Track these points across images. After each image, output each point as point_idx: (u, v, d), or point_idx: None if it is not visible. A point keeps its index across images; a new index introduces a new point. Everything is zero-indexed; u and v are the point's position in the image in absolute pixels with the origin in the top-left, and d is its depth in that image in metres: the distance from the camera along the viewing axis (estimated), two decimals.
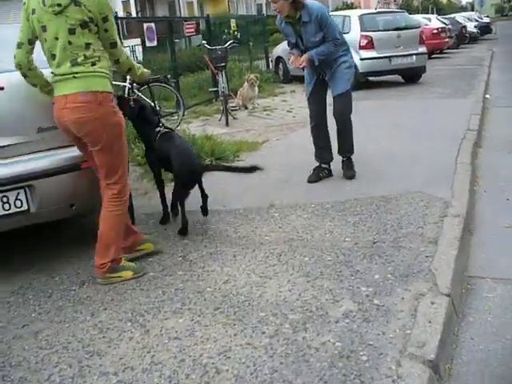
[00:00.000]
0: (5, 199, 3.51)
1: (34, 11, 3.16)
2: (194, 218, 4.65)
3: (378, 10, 13.67)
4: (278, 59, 14.81)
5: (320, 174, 5.43)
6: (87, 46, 3.19)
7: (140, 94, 8.75)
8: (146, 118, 4.45)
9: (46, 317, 3.23)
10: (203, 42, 10.06)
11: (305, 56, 5.05)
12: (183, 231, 4.30)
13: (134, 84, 8.83)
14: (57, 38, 3.15)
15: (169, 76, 9.16)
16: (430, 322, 2.72)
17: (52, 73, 3.28)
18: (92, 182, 3.77)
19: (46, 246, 4.29)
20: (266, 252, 3.82)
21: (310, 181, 5.37)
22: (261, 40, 17.13)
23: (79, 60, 3.17)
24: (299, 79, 13.97)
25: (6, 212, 3.54)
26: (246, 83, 10.80)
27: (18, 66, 3.28)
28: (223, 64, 9.33)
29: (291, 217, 4.48)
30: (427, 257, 3.48)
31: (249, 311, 3.05)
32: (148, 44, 10.60)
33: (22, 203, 3.56)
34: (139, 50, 19.25)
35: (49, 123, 3.56)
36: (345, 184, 5.25)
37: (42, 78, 3.37)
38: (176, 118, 9.43)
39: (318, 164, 5.50)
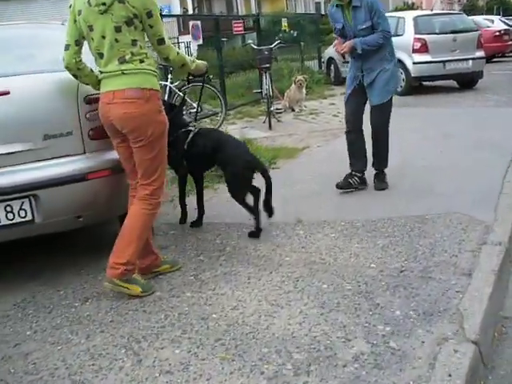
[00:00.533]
0: (8, 208, 3.36)
1: (80, 12, 3.18)
2: (216, 231, 4.42)
3: (434, 11, 13.00)
4: (330, 60, 14.43)
5: (350, 181, 5.18)
6: (134, 42, 3.17)
7: (180, 93, 8.60)
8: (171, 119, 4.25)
9: (40, 336, 3.05)
10: (249, 41, 9.82)
11: (349, 41, 4.87)
12: (256, 233, 4.23)
13: (175, 83, 8.74)
14: (104, 37, 3.15)
15: (211, 76, 8.93)
16: (450, 375, 2.38)
17: (100, 71, 3.27)
18: (101, 193, 3.60)
19: (59, 256, 4.15)
20: (283, 275, 3.53)
21: (338, 186, 5.15)
22: (314, 40, 16.77)
23: (127, 58, 3.16)
24: None
25: (10, 222, 3.38)
26: (293, 85, 10.53)
27: (67, 68, 3.30)
28: (268, 65, 9.06)
29: (317, 235, 4.18)
30: (457, 292, 3.12)
31: (251, 345, 2.78)
32: (193, 42, 10.43)
33: (26, 213, 3.40)
34: (194, 46, 19.37)
35: (55, 130, 3.40)
36: (380, 199, 4.91)
37: (93, 76, 3.36)
38: (219, 118, 9.23)
39: (350, 171, 5.26)
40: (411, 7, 38.88)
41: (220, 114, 9.20)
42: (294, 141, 7.95)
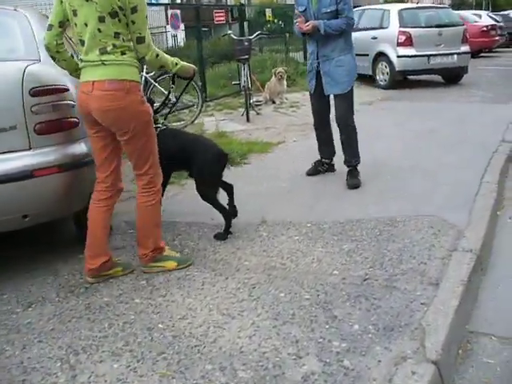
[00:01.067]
0: None
1: None
2: (176, 231, 4.20)
3: (420, 4, 12.76)
4: None
5: (319, 168, 5.43)
6: (116, 35, 3.09)
7: (156, 83, 8.34)
8: None
9: None
10: (229, 32, 9.55)
11: (313, 21, 4.82)
12: (223, 236, 4.01)
13: (150, 74, 8.47)
14: (86, 25, 3.08)
15: None
16: None
17: (80, 59, 3.20)
18: (50, 191, 3.36)
19: (11, 255, 3.88)
20: (239, 282, 3.32)
21: (308, 173, 5.41)
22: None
23: (108, 49, 3.09)
24: None
25: None
26: (273, 77, 10.28)
27: (47, 48, 3.22)
28: (246, 56, 8.80)
29: (281, 238, 3.97)
30: (422, 304, 2.92)
31: (195, 361, 2.56)
32: (172, 32, 10.16)
33: None
34: (181, 36, 19.04)
35: None
36: (351, 199, 4.70)
37: (72, 62, 3.30)
38: (195, 110, 8.97)
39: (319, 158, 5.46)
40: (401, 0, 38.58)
41: (196, 106, 8.92)
42: (270, 134, 7.72)
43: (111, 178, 3.36)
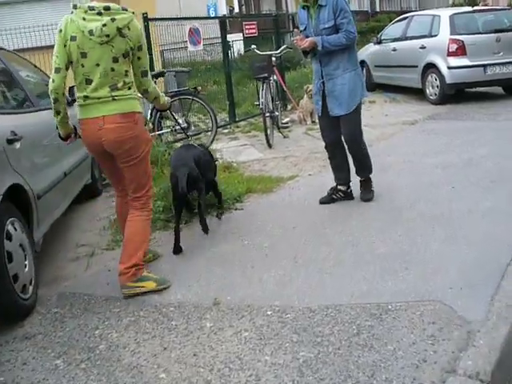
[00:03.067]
0: None
1: (73, 38, 3.27)
2: (101, 315, 3.29)
3: (475, 7, 11.27)
4: (361, 64, 12.99)
5: (333, 196, 5.03)
6: (126, 72, 3.37)
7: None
8: None
9: None
10: (252, 46, 8.60)
11: (311, 38, 4.65)
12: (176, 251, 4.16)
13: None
14: (98, 65, 3.29)
15: (199, 88, 7.78)
16: None
17: (85, 96, 3.35)
18: None
19: None
20: None
21: (321, 202, 5.01)
22: None
23: (119, 85, 3.34)
24: (384, 88, 12.21)
25: None
26: (305, 95, 9.26)
27: (55, 91, 3.31)
28: (265, 74, 7.81)
29: (226, 333, 2.97)
30: None
31: None
32: (191, 48, 9.31)
33: None
34: (237, 44, 18.23)
35: None
36: (340, 268, 3.62)
37: (65, 107, 3.45)
38: (210, 134, 8.08)
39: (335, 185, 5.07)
40: (473, 3, 36.24)
41: (210, 132, 8.02)
42: (286, 166, 6.72)
43: (126, 189, 3.66)
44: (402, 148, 6.98)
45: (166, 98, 3.86)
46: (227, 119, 10.24)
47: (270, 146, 7.85)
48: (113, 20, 3.25)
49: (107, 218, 5.14)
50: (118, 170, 3.59)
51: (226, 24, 9.73)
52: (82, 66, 3.30)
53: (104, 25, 3.24)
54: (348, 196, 5.00)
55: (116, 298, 3.53)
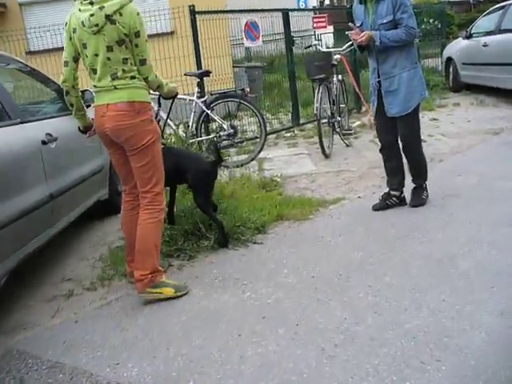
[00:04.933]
0: None
1: (74, 30, 3.28)
2: None
3: None
4: (449, 61, 11.68)
5: (387, 202, 4.78)
6: (124, 60, 3.30)
7: (208, 110, 6.79)
8: None
9: None
10: (314, 42, 7.68)
11: (368, 32, 4.42)
12: (224, 243, 4.16)
13: (202, 99, 6.95)
14: (97, 55, 3.28)
15: (247, 90, 6.97)
16: None
17: (94, 85, 3.40)
18: None
19: None
20: None
21: (375, 208, 4.76)
22: (439, 32, 13.89)
23: (119, 74, 3.30)
24: (472, 88, 10.86)
25: None
26: None
27: (64, 83, 3.40)
28: (322, 76, 6.87)
29: None
30: None
31: None
32: (248, 44, 8.50)
33: None
34: (329, 38, 17.28)
35: None
36: (356, 364, 2.70)
37: (79, 100, 3.52)
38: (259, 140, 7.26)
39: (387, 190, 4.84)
40: None
41: (259, 139, 7.19)
42: (335, 184, 5.79)
43: (136, 189, 3.54)
44: (477, 165, 5.83)
45: (172, 85, 3.75)
46: (290, 122, 9.42)
47: (326, 156, 6.96)
48: (101, 8, 3.19)
49: (111, 243, 4.47)
50: (126, 164, 3.52)
51: (289, 17, 8.77)
52: (86, 56, 3.33)
53: (92, 15, 3.20)
54: (402, 202, 4.78)
55: (62, 365, 2.82)
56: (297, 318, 3.04)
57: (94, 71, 3.35)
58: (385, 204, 4.76)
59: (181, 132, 6.71)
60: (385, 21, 4.36)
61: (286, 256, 3.96)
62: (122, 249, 4.16)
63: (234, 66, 10.93)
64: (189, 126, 6.86)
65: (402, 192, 4.79)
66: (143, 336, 3.03)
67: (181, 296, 3.41)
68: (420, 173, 4.76)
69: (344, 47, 7.58)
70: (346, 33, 4.98)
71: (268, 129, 9.34)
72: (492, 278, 3.25)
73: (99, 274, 3.95)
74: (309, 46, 7.86)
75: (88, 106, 3.88)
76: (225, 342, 2.88)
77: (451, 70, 11.54)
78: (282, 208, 4.87)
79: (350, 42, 7.55)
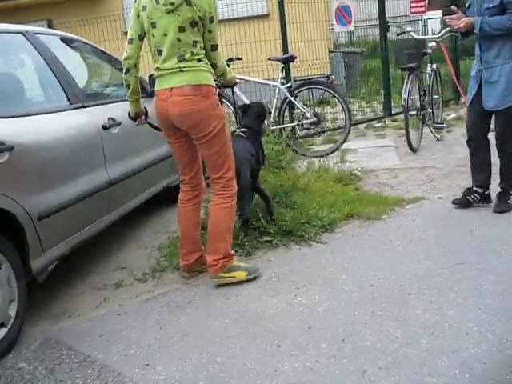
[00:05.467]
0: None
1: (144, 8, 3.22)
2: None
3: None
4: None
5: (468, 198, 4.47)
6: (194, 43, 3.21)
7: (291, 97, 6.56)
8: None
9: None
10: (408, 29, 7.18)
11: (468, 18, 4.16)
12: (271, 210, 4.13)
13: (286, 86, 6.73)
14: (165, 35, 3.19)
15: (332, 77, 6.63)
16: None
17: (157, 68, 3.29)
18: None
19: None
20: None
21: (454, 203, 4.50)
22: None
23: (186, 56, 3.20)
24: None
25: None
26: None
27: (127, 61, 3.29)
28: (412, 65, 6.42)
29: None
30: None
31: None
32: (338, 29, 8.13)
33: None
34: (433, 23, 16.40)
35: None
36: None
37: (137, 81, 3.39)
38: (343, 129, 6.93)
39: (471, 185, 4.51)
40: None
41: (343, 129, 6.86)
42: (418, 181, 5.40)
43: (195, 178, 3.54)
44: None
45: (233, 75, 3.71)
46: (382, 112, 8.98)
47: (413, 150, 6.54)
48: None
49: (173, 233, 4.37)
50: (188, 152, 3.47)
51: (384, 3, 8.29)
52: (153, 36, 3.24)
53: None
54: (485, 199, 4.45)
55: (92, 360, 2.73)
56: (344, 331, 2.77)
57: (160, 52, 3.24)
58: (465, 200, 4.45)
59: None
60: (491, 5, 4.02)
61: (349, 260, 3.68)
62: None
63: (330, 51, 10.57)
64: (271, 113, 6.65)
65: (486, 189, 4.44)
66: (180, 337, 2.88)
67: (252, 279, 3.43)
68: (509, 176, 4.36)
69: (440, 33, 7.08)
70: (444, 17, 4.60)
71: (359, 117, 9.03)
72: None
73: (153, 264, 3.85)
74: (402, 33, 7.38)
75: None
76: (262, 352, 2.67)
77: None
78: (355, 205, 4.57)
79: (448, 28, 7.05)
